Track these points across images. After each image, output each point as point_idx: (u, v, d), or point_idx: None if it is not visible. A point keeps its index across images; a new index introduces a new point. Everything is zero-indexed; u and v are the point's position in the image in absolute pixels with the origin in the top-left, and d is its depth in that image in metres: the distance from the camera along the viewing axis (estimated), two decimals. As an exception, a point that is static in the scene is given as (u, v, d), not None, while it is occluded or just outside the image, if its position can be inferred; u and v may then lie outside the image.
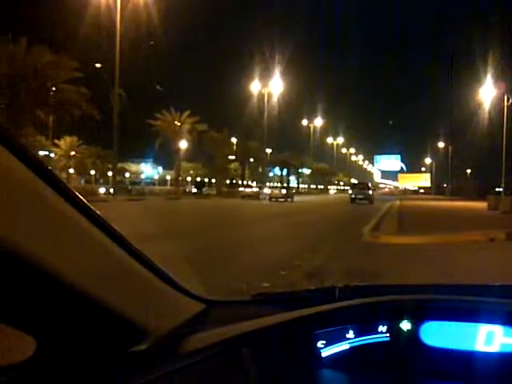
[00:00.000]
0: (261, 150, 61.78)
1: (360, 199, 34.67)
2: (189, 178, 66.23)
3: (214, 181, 59.37)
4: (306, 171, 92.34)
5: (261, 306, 1.17)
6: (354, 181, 67.87)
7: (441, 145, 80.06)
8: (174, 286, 0.96)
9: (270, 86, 58.60)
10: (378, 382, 1.05)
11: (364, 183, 42.14)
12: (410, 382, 1.05)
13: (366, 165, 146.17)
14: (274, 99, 59.05)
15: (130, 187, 41.30)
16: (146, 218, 14.12)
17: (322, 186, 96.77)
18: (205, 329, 0.97)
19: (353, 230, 12.72)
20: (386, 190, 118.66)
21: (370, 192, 36.68)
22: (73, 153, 54.92)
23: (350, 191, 39.07)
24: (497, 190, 34.55)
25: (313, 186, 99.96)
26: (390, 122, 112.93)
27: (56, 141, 50.60)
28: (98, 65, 34.59)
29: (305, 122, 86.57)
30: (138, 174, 66.05)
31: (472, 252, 8.73)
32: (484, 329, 1.04)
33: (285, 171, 77.35)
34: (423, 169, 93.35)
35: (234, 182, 39.79)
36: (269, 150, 67.22)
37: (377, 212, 20.52)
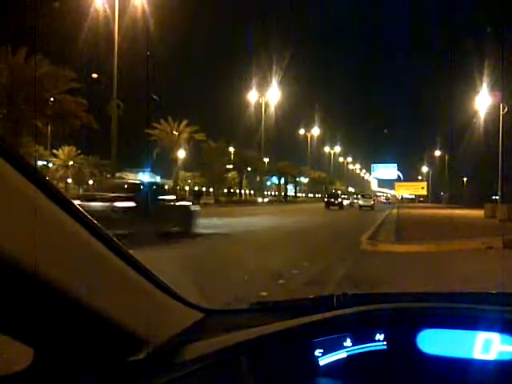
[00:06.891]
0: (258, 159, 61.80)
1: (385, 203, 69.96)
2: (187, 187, 66.10)
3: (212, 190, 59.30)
4: (304, 180, 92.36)
5: (259, 314, 1.17)
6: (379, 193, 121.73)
7: (437, 153, 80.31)
8: (172, 295, 0.96)
9: (267, 96, 58.86)
10: None
11: (388, 198, 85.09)
12: None
13: (364, 173, 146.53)
14: (272, 109, 59.30)
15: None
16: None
17: (319, 195, 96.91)
18: (203, 338, 0.97)
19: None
20: (383, 199, 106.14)
21: (390, 200, 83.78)
22: (71, 162, 54.78)
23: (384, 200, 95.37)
24: (493, 198, 34.62)
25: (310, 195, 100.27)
26: (385, 131, 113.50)
27: (54, 151, 50.56)
28: (94, 75, 34.66)
29: (302, 132, 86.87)
30: (135, 183, 65.56)
31: (470, 260, 8.72)
32: (481, 336, 1.03)
33: (282, 180, 77.39)
34: (420, 177, 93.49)
35: (232, 190, 39.36)
36: (266, 159, 67.31)
37: (375, 221, 20.48)
